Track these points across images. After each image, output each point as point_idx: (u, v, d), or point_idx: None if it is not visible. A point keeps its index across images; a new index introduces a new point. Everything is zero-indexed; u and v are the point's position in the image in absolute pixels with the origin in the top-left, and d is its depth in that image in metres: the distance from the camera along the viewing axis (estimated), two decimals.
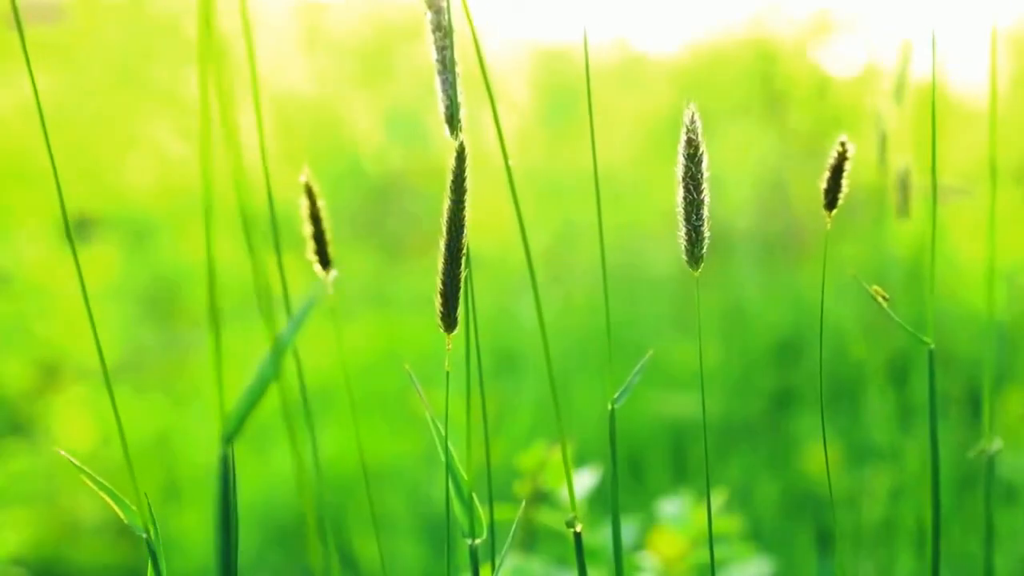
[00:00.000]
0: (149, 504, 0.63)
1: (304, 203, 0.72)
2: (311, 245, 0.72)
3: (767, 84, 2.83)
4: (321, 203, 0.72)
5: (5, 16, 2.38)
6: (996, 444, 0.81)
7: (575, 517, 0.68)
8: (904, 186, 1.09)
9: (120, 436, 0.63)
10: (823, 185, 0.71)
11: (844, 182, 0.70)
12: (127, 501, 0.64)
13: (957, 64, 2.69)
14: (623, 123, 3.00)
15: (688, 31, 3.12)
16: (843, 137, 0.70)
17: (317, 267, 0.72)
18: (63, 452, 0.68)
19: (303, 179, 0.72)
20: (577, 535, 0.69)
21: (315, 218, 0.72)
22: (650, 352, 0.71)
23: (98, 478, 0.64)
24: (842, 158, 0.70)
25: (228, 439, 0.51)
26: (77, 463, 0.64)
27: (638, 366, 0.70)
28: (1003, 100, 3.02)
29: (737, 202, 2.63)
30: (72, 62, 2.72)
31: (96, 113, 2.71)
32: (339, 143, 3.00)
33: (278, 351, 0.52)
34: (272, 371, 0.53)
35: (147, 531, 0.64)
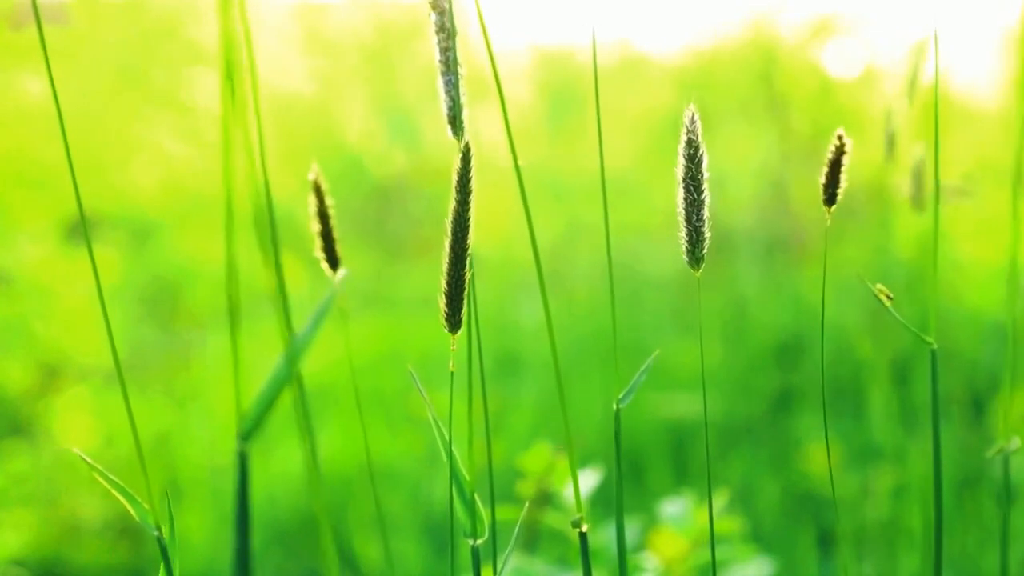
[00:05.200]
0: (169, 502, 0.63)
1: (312, 201, 0.71)
2: (319, 243, 0.71)
3: (768, 85, 2.83)
4: (329, 201, 0.71)
5: (5, 16, 2.37)
6: (1014, 443, 0.80)
7: (581, 518, 0.68)
8: (919, 179, 1.09)
9: (133, 435, 0.63)
10: (822, 180, 0.70)
11: (843, 177, 0.70)
12: (139, 499, 0.64)
13: (957, 63, 2.69)
14: (624, 124, 2.99)
15: (689, 32, 3.12)
16: (840, 131, 0.70)
17: (325, 266, 0.72)
18: (76, 450, 0.68)
19: (312, 177, 0.71)
20: (583, 535, 0.70)
21: (323, 216, 0.71)
22: (656, 353, 0.71)
23: (111, 476, 0.64)
24: (840, 152, 0.70)
25: (246, 437, 0.51)
26: (90, 460, 0.64)
27: (643, 367, 0.70)
28: (1004, 99, 3.02)
29: (738, 203, 2.63)
30: (74, 63, 2.72)
31: (97, 114, 2.71)
32: (339, 144, 3.00)
33: (296, 351, 0.52)
34: (289, 371, 0.53)
35: (159, 529, 0.64)
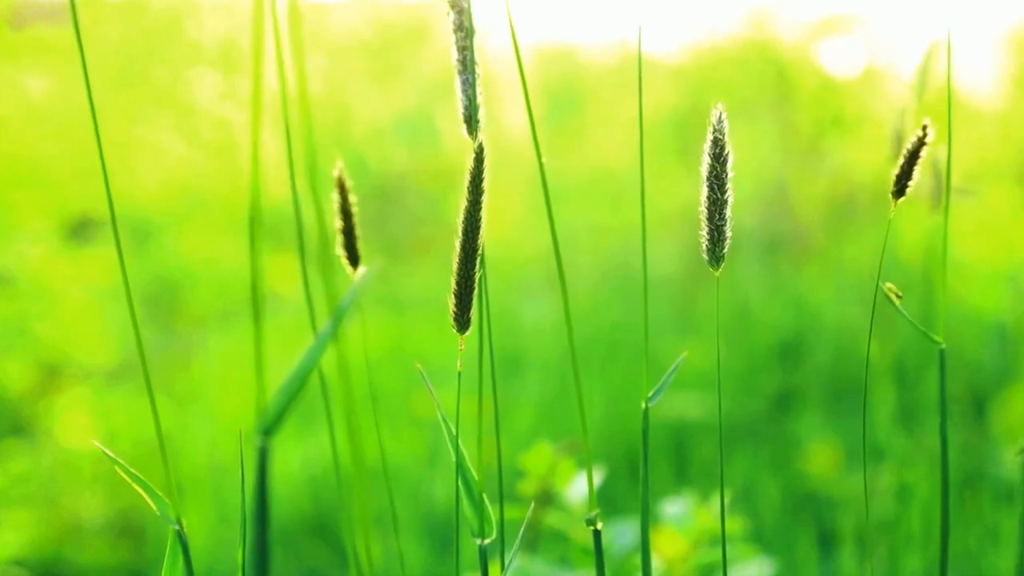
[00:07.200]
0: (174, 500, 0.63)
1: (335, 197, 0.70)
2: (340, 240, 0.70)
3: (769, 85, 2.83)
4: (352, 198, 0.70)
5: (5, 16, 2.37)
6: None
7: (596, 515, 0.68)
8: (939, 179, 1.08)
9: (157, 432, 0.63)
10: (895, 172, 0.67)
11: (917, 169, 0.66)
12: (159, 493, 0.64)
13: (958, 63, 2.69)
14: (624, 123, 2.99)
15: (690, 32, 3.12)
16: (926, 120, 0.66)
17: (345, 263, 0.71)
18: (96, 443, 0.68)
19: (336, 173, 0.70)
20: (596, 532, 0.69)
21: (346, 213, 0.70)
22: (683, 355, 0.71)
23: (132, 470, 0.63)
24: (921, 143, 0.66)
25: (268, 431, 0.50)
26: (112, 454, 0.64)
27: (671, 368, 0.70)
28: (1004, 100, 3.01)
29: (740, 202, 2.63)
30: (74, 63, 2.72)
31: (98, 114, 2.71)
32: (340, 143, 3.00)
33: (320, 346, 0.52)
34: (312, 364, 0.53)
35: (179, 523, 0.64)
